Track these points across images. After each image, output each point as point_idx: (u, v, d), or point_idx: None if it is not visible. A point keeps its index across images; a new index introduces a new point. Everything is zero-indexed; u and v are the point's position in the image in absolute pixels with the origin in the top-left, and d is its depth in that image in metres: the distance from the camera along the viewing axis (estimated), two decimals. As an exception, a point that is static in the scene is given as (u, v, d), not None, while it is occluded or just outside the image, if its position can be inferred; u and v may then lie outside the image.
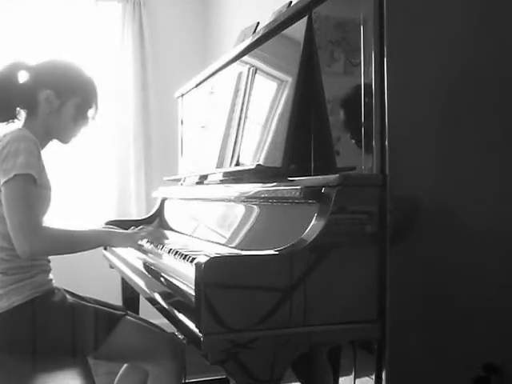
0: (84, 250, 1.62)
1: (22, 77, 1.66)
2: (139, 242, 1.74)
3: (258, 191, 1.42)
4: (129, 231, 1.76)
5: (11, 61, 1.67)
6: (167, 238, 1.89)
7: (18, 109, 1.67)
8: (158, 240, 1.79)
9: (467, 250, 1.25)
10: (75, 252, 1.61)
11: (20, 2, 3.44)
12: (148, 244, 1.81)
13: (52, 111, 1.65)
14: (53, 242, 1.54)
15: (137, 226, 1.83)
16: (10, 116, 1.67)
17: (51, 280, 1.64)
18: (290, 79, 1.49)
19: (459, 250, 1.24)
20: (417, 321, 1.21)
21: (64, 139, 1.74)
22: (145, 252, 1.77)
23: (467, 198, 1.25)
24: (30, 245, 1.47)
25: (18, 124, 1.69)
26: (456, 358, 1.25)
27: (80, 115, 1.70)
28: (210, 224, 1.82)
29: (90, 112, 1.73)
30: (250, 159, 1.63)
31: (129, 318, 1.64)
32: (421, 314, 1.21)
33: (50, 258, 1.68)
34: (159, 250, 1.71)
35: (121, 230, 1.77)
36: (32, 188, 1.50)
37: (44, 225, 1.55)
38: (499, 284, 1.27)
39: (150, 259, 1.65)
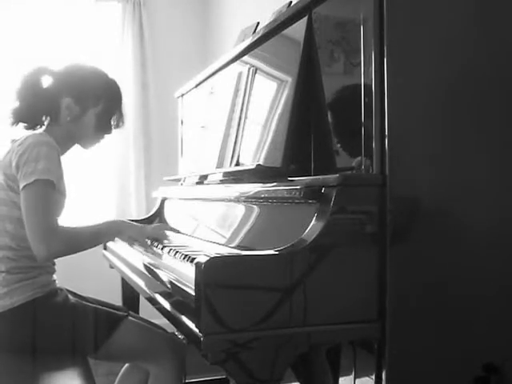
0: (97, 245, 1.64)
1: (46, 82, 1.66)
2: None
3: (258, 191, 1.41)
4: (139, 224, 1.79)
5: (35, 66, 1.66)
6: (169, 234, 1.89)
7: (43, 116, 1.66)
8: (163, 235, 1.82)
9: (467, 249, 1.25)
10: (89, 248, 1.61)
11: (20, 1, 3.44)
12: (148, 242, 1.82)
13: (73, 118, 1.65)
14: (68, 242, 1.53)
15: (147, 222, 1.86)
16: (36, 123, 1.67)
17: (54, 281, 1.64)
18: (289, 79, 1.48)
19: (459, 249, 1.24)
20: (417, 321, 1.21)
21: (85, 145, 1.74)
22: (145, 252, 1.77)
23: (467, 198, 1.25)
24: (48, 248, 1.46)
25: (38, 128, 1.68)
26: (456, 358, 1.25)
27: (102, 123, 1.69)
28: (210, 224, 1.82)
29: (114, 119, 1.72)
30: (249, 159, 1.63)
31: (131, 318, 1.64)
32: (421, 314, 1.21)
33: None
34: (159, 250, 1.71)
35: (132, 223, 1.81)
36: (51, 193, 1.50)
37: (59, 226, 1.53)
38: (499, 284, 1.27)
39: (150, 259, 1.65)
